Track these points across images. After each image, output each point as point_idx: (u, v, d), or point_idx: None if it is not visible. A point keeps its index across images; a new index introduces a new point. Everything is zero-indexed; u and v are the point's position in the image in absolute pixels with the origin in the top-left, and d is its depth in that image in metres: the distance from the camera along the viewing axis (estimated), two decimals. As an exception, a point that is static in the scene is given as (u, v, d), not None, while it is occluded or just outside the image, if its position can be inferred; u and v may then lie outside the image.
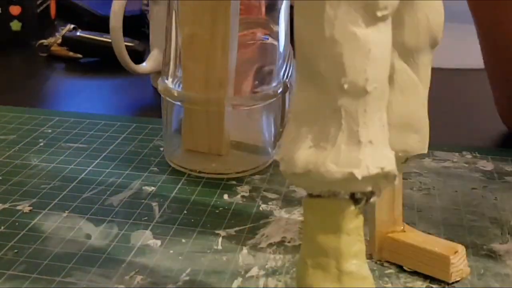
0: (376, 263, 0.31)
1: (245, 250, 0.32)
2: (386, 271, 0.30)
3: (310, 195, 0.24)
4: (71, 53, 0.64)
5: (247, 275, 0.30)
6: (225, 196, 0.37)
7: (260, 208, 0.36)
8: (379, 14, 0.22)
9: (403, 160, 0.29)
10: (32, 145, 0.43)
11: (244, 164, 0.40)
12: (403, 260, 0.31)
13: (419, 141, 0.28)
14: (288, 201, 0.37)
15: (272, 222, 0.34)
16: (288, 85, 0.42)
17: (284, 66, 0.42)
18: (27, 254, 0.31)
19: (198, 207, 0.36)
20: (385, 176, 0.23)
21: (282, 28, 0.40)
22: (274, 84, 0.40)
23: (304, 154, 0.22)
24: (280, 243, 0.32)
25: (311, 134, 0.23)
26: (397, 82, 0.27)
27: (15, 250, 0.31)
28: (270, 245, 0.32)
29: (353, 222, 0.24)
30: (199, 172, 0.39)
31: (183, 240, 0.32)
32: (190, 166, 0.40)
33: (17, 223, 0.34)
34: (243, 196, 0.37)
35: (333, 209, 0.23)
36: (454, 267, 0.29)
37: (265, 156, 0.41)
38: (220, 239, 0.33)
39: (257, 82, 0.40)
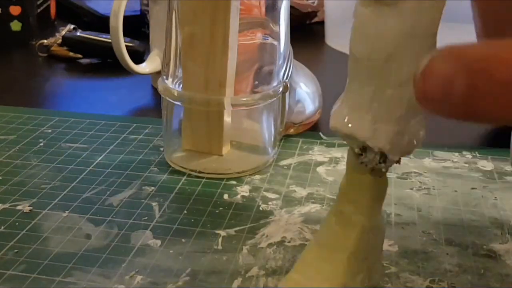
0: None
1: (245, 250, 0.32)
2: (386, 271, 0.30)
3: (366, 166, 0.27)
4: (71, 53, 0.64)
5: (247, 275, 0.30)
6: (225, 196, 0.37)
7: (260, 208, 0.36)
8: None
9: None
10: (32, 145, 0.43)
11: (244, 164, 0.40)
12: None
13: None
14: (288, 201, 0.37)
15: (272, 222, 0.34)
16: (288, 85, 0.42)
17: (284, 66, 0.42)
18: (27, 254, 0.31)
19: (198, 207, 0.36)
20: (348, 137, 0.26)
21: (282, 28, 0.40)
22: (274, 84, 0.40)
23: (335, 108, 0.27)
24: (280, 243, 0.32)
25: (348, 102, 0.26)
26: None
27: (15, 250, 0.31)
28: (270, 245, 0.32)
29: (356, 174, 0.27)
30: (199, 172, 0.39)
31: (183, 240, 0.33)
32: (190, 166, 0.40)
33: (17, 223, 0.34)
34: (243, 196, 0.37)
35: (349, 157, 0.27)
36: None
37: (265, 156, 0.41)
38: (220, 239, 0.33)
39: (257, 82, 0.40)
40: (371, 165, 0.26)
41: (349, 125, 0.26)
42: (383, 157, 0.26)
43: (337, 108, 0.27)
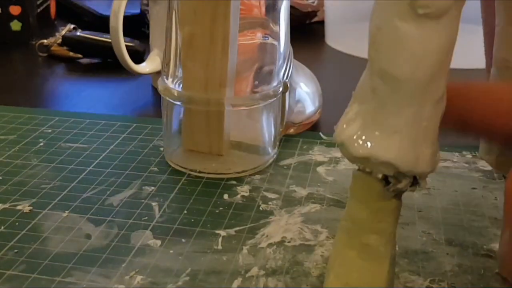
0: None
1: (245, 250, 0.32)
2: (386, 271, 0.30)
3: (359, 168, 0.25)
4: (71, 53, 0.64)
5: (247, 275, 0.30)
6: (225, 196, 0.37)
7: (260, 208, 0.36)
8: (420, 11, 0.22)
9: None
10: (32, 145, 0.43)
11: (244, 164, 0.40)
12: None
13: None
14: (288, 201, 0.37)
15: (272, 222, 0.34)
16: (288, 85, 0.42)
17: (284, 66, 0.42)
18: (27, 254, 0.31)
19: (198, 207, 0.36)
20: (391, 167, 0.24)
21: (282, 28, 0.40)
22: (274, 84, 0.40)
23: (346, 128, 0.25)
24: (280, 243, 0.32)
25: (356, 111, 0.25)
26: None
27: (15, 250, 0.31)
28: (270, 245, 0.32)
29: (382, 202, 0.25)
30: (199, 172, 0.39)
31: (183, 240, 0.33)
32: (190, 166, 0.40)
33: (17, 223, 0.34)
34: (243, 196, 0.37)
35: (366, 183, 0.25)
36: None
37: (265, 156, 0.41)
38: (220, 239, 0.33)
39: (257, 82, 0.40)
40: (400, 190, 0.25)
41: (385, 152, 0.24)
42: (415, 180, 0.25)
43: (359, 133, 0.24)
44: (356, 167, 0.25)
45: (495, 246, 0.33)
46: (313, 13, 0.78)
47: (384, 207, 0.25)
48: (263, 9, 0.40)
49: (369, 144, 0.24)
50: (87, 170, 0.40)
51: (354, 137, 0.24)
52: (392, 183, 0.25)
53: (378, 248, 0.25)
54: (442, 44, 0.23)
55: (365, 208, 0.25)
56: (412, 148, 0.24)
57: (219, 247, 0.32)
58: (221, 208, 0.36)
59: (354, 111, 0.25)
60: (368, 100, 0.24)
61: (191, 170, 0.40)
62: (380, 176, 0.24)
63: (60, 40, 0.64)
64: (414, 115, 0.24)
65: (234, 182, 0.39)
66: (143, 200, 0.36)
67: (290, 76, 0.43)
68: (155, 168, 0.40)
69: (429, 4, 0.22)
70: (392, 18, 0.23)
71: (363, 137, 0.24)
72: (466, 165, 0.41)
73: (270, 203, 0.36)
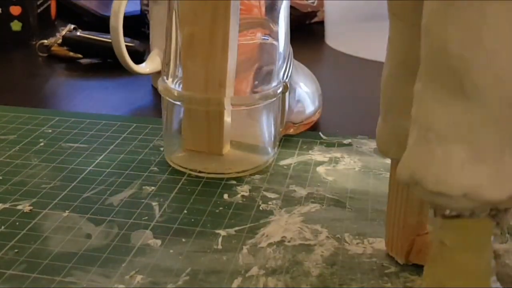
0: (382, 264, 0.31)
1: (245, 250, 0.32)
2: (386, 271, 0.30)
3: (444, 216, 0.22)
4: (71, 53, 0.64)
5: (247, 275, 0.30)
6: (225, 196, 0.37)
7: (260, 208, 0.36)
8: None
9: None
10: (33, 145, 0.43)
11: (244, 164, 0.40)
12: None
13: None
14: (288, 201, 0.37)
15: (272, 221, 0.34)
16: (288, 85, 0.42)
17: (284, 66, 0.42)
18: (27, 254, 0.31)
19: (198, 206, 0.36)
20: None
21: (282, 28, 0.40)
22: (274, 84, 0.40)
23: (461, 175, 0.21)
24: (280, 243, 0.32)
25: (465, 153, 0.21)
26: None
27: (16, 250, 0.31)
28: (270, 244, 0.32)
29: (492, 240, 0.23)
30: (199, 172, 0.39)
31: (183, 240, 0.33)
32: (190, 166, 0.40)
33: (17, 223, 0.34)
34: (243, 196, 0.37)
35: (477, 228, 0.22)
36: None
37: (265, 156, 0.41)
38: (220, 239, 0.33)
39: (257, 82, 0.40)
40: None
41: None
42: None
43: (487, 175, 0.21)
44: (441, 216, 0.23)
45: (495, 245, 0.33)
46: (313, 13, 0.78)
47: (491, 242, 0.23)
48: (263, 9, 0.40)
49: (502, 183, 0.21)
50: (87, 170, 0.40)
51: (484, 182, 0.21)
52: (498, 214, 0.22)
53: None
54: None
55: (480, 254, 0.23)
56: None
57: (219, 246, 0.32)
58: (221, 208, 0.36)
59: (464, 154, 0.21)
60: (486, 136, 0.21)
61: (191, 170, 0.40)
62: (485, 214, 0.22)
63: (60, 40, 0.64)
64: None
65: (234, 182, 0.39)
66: (143, 200, 0.36)
67: (290, 76, 0.43)
68: (155, 168, 0.40)
69: None
70: (508, 34, 0.20)
71: (498, 178, 0.21)
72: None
73: (270, 203, 0.36)
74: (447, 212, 0.22)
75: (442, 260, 0.23)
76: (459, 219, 0.22)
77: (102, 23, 0.70)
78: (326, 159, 0.42)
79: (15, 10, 0.69)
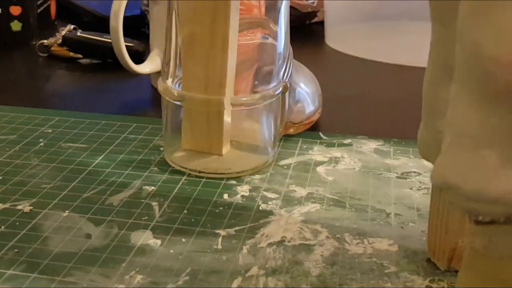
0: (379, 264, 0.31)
1: (245, 250, 0.32)
2: (386, 271, 0.30)
3: (478, 222, 0.22)
4: (71, 53, 0.64)
5: (247, 275, 0.30)
6: (225, 196, 0.37)
7: (260, 208, 0.36)
8: None
9: None
10: (33, 145, 0.43)
11: (244, 164, 0.40)
12: None
13: None
14: (288, 201, 0.37)
15: (272, 221, 0.34)
16: (288, 85, 0.42)
17: (284, 66, 0.42)
18: (27, 254, 0.31)
19: (198, 206, 0.36)
20: None
21: (282, 28, 0.40)
22: (273, 84, 0.40)
23: (496, 180, 0.21)
24: (280, 243, 0.32)
25: (499, 159, 0.21)
26: None
27: (16, 250, 0.31)
28: (270, 244, 0.32)
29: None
30: (199, 172, 0.39)
31: (183, 240, 0.33)
32: (190, 166, 0.40)
33: (17, 223, 0.34)
34: (243, 196, 0.37)
35: (510, 235, 0.22)
36: None
37: (265, 156, 0.41)
38: (220, 239, 0.33)
39: (256, 82, 0.40)
40: None
41: None
42: None
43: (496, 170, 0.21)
44: (473, 222, 0.22)
45: None
46: (313, 14, 0.78)
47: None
48: (263, 9, 0.40)
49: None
50: (87, 170, 0.40)
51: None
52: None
53: None
54: None
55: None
56: None
57: (219, 246, 0.32)
58: (221, 208, 0.36)
59: (497, 160, 0.21)
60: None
61: (191, 170, 0.40)
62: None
63: (60, 41, 0.64)
64: None
65: (234, 182, 0.39)
66: (143, 200, 0.36)
67: (290, 76, 0.43)
68: (155, 168, 0.40)
69: None
70: None
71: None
72: (466, 165, 0.41)
73: (270, 202, 0.36)
74: (480, 218, 0.22)
75: (474, 268, 0.23)
76: (493, 225, 0.22)
77: (102, 24, 0.70)
78: (326, 159, 0.42)
79: (15, 10, 0.69)
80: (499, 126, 0.21)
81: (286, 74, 0.42)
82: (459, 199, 0.22)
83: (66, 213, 0.35)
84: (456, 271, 0.30)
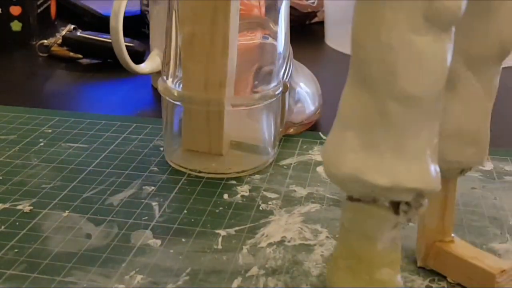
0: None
1: (245, 250, 0.32)
2: (386, 271, 0.30)
3: (350, 198, 0.24)
4: (71, 53, 0.64)
5: (247, 275, 0.30)
6: (225, 196, 0.37)
7: (260, 208, 0.36)
8: (440, 23, 0.21)
9: (458, 171, 0.28)
10: (33, 145, 0.43)
11: (244, 164, 0.40)
12: (448, 271, 0.30)
13: (476, 154, 0.27)
14: (288, 201, 0.37)
15: (272, 221, 0.34)
16: (288, 85, 0.42)
17: (284, 66, 0.42)
18: (27, 254, 0.31)
19: (198, 206, 0.36)
20: (421, 194, 0.23)
21: (282, 28, 0.40)
22: (273, 84, 0.40)
23: (349, 158, 0.23)
24: (280, 243, 0.32)
25: (357, 139, 0.23)
26: (459, 91, 0.26)
27: (16, 250, 0.31)
28: (270, 244, 0.32)
29: (391, 231, 0.24)
30: (199, 172, 0.39)
31: (183, 240, 0.33)
32: (190, 166, 0.40)
33: (17, 223, 0.34)
34: (243, 196, 0.37)
35: (372, 215, 0.23)
36: (499, 285, 0.28)
37: (265, 156, 0.41)
38: (220, 239, 0.33)
39: (257, 82, 0.40)
40: (414, 215, 0.24)
41: (411, 178, 0.22)
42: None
43: (374, 162, 0.22)
44: (346, 197, 0.24)
45: (495, 245, 0.33)
46: (313, 14, 0.78)
47: (395, 236, 0.24)
48: (263, 9, 0.40)
49: (391, 172, 0.22)
50: (87, 170, 0.40)
51: (368, 169, 0.22)
52: (410, 208, 0.23)
53: (392, 282, 0.24)
54: (450, 53, 0.22)
55: (374, 242, 0.23)
56: (432, 168, 0.23)
57: (219, 246, 0.32)
58: (221, 208, 0.36)
59: (356, 140, 0.23)
60: (375, 127, 0.22)
61: (191, 170, 0.40)
62: (387, 204, 0.23)
63: (60, 41, 0.64)
64: (429, 133, 0.22)
65: (234, 182, 0.39)
66: (143, 200, 0.36)
67: (290, 76, 0.43)
68: (155, 168, 0.40)
69: (449, 14, 0.21)
70: (405, 35, 0.21)
71: (381, 167, 0.22)
72: (466, 165, 0.41)
73: (270, 203, 0.36)
74: (350, 194, 0.24)
75: (340, 239, 0.25)
76: (360, 203, 0.23)
77: (102, 24, 0.70)
78: (326, 159, 0.42)
79: (15, 10, 0.69)
80: (362, 110, 0.22)
81: (286, 74, 0.42)
82: (326, 175, 0.24)
83: (66, 213, 0.35)
84: (415, 265, 0.31)
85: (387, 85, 0.22)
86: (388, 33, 0.21)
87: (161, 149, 0.43)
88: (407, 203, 0.23)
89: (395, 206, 0.23)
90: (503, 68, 0.27)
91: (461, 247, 0.30)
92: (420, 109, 0.22)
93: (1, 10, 0.68)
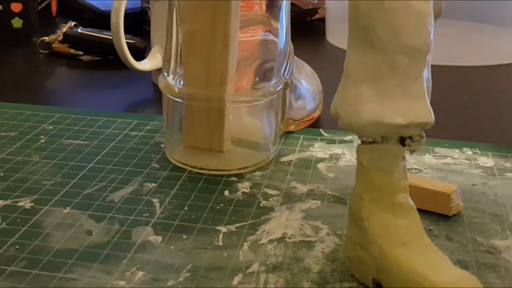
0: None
1: (245, 246, 0.32)
2: (387, 267, 0.30)
3: (363, 142, 0.28)
4: (72, 50, 0.64)
5: (247, 271, 0.30)
6: (226, 193, 0.37)
7: (261, 205, 0.36)
8: None
9: None
10: (34, 142, 0.43)
11: (244, 161, 0.40)
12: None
13: None
14: (289, 198, 0.37)
15: (273, 218, 0.34)
16: (289, 82, 0.42)
17: (285, 63, 0.42)
18: (28, 250, 0.31)
19: (199, 203, 0.36)
20: (424, 127, 0.28)
21: (283, 25, 0.40)
22: (274, 80, 0.40)
23: (367, 107, 0.27)
24: (281, 239, 0.32)
25: (371, 90, 0.27)
26: None
27: (17, 246, 0.31)
28: (271, 241, 0.32)
29: (402, 162, 0.28)
30: (200, 168, 0.39)
31: (184, 236, 0.33)
32: (191, 162, 0.40)
33: (18, 220, 0.34)
34: (243, 193, 0.37)
35: (387, 152, 0.28)
36: (453, 202, 0.34)
37: (266, 152, 0.41)
38: (220, 235, 0.33)
39: (257, 78, 0.40)
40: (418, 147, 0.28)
41: (422, 116, 0.27)
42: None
43: (389, 107, 0.27)
44: (360, 143, 0.29)
45: (496, 242, 0.33)
46: (314, 11, 0.78)
47: (404, 165, 0.28)
48: (264, 6, 0.40)
49: (405, 112, 0.27)
50: (88, 167, 0.40)
51: (386, 112, 0.27)
52: (413, 141, 0.28)
53: (408, 203, 0.28)
54: (432, 11, 0.27)
55: (390, 173, 0.28)
56: (429, 105, 0.27)
57: (220, 243, 0.32)
58: (221, 205, 0.36)
59: (370, 91, 0.27)
60: (386, 78, 0.27)
61: (192, 167, 0.40)
62: (396, 140, 0.28)
63: (61, 37, 0.64)
64: (425, 77, 0.27)
65: (235, 179, 0.39)
66: (144, 197, 0.36)
67: (290, 73, 0.43)
68: (156, 165, 0.40)
69: None
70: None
71: (397, 109, 0.27)
72: (466, 161, 0.41)
73: (270, 199, 0.36)
74: (364, 139, 0.28)
75: (362, 178, 0.29)
76: (373, 144, 0.28)
77: (103, 20, 0.71)
78: (327, 156, 0.42)
79: (16, 7, 0.69)
80: (372, 66, 0.27)
81: (287, 71, 0.42)
82: (343, 125, 0.28)
83: (67, 210, 0.35)
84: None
85: (394, 42, 0.26)
86: (390, 1, 0.26)
87: (162, 145, 0.43)
88: (411, 138, 0.28)
89: (402, 142, 0.28)
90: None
91: (414, 179, 0.35)
92: (420, 57, 0.27)
93: (2, 7, 0.68)
